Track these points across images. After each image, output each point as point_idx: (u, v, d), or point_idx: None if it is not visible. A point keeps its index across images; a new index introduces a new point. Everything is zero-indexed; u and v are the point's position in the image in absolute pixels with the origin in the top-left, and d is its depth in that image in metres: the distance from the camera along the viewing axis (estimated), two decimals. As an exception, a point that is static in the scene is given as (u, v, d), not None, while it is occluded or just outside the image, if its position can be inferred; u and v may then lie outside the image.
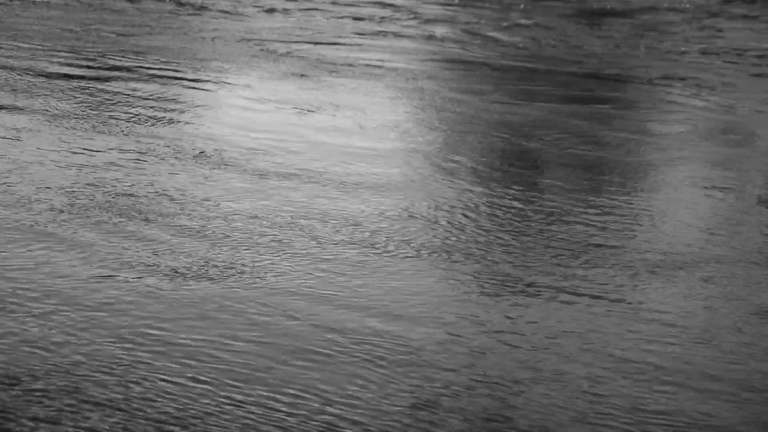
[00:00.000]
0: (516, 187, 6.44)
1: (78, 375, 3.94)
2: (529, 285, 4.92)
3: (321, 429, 3.65)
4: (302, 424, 3.67)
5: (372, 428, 3.65)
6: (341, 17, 13.67)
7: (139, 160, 6.72)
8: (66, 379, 3.90)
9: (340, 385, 3.93)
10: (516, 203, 6.12)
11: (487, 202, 6.15)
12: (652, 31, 13.05)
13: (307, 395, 3.86)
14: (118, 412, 3.70)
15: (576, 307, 4.70)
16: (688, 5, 14.10)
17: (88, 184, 6.16)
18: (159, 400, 3.79)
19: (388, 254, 5.27)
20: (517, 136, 7.74)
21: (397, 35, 12.55)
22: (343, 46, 11.65)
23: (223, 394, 3.86)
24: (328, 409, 3.77)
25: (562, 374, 4.06)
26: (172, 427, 3.62)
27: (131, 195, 6.00)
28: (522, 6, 14.82)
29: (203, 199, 5.99)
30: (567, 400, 3.87)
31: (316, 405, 3.79)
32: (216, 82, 9.32)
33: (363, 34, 12.51)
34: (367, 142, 7.43)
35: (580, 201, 6.19)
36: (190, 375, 3.98)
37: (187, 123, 7.72)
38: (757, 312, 4.66)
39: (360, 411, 3.76)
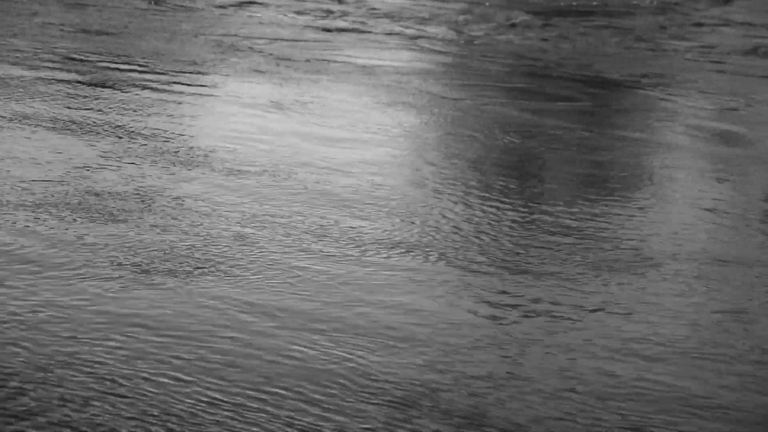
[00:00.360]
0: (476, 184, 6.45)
1: (57, 372, 3.91)
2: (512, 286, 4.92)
3: (302, 428, 3.63)
4: (279, 421, 3.65)
5: (351, 428, 3.64)
6: (298, 12, 13.62)
7: (108, 158, 6.67)
8: (43, 378, 3.86)
9: (319, 383, 3.92)
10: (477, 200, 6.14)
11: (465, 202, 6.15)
12: (620, 28, 13.10)
13: (286, 393, 3.84)
14: (99, 408, 3.67)
15: (558, 309, 4.71)
16: (650, 2, 14.18)
17: (57, 181, 6.12)
18: (141, 398, 3.76)
19: (364, 252, 5.26)
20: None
21: (358, 31, 12.53)
22: (305, 42, 11.61)
23: (204, 391, 3.83)
24: (308, 408, 3.75)
25: (542, 373, 4.06)
26: (156, 428, 3.60)
27: (99, 193, 5.96)
28: (487, 3, 14.84)
29: (175, 197, 5.95)
30: (547, 399, 3.87)
31: (296, 404, 3.78)
32: (189, 83, 9.26)
33: (328, 30, 12.48)
34: (338, 136, 7.42)
35: (574, 201, 6.20)
36: (171, 372, 3.95)
37: (159, 122, 7.67)
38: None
39: (338, 410, 3.74)
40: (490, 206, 6.05)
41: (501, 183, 6.53)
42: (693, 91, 9.62)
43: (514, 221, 5.81)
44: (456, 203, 6.08)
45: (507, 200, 6.16)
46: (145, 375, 3.93)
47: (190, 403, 3.76)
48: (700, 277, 5.06)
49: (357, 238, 5.43)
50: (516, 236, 5.56)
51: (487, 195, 6.25)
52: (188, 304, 4.57)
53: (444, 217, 5.83)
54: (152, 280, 4.80)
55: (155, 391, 3.82)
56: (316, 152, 7.04)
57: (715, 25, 13.66)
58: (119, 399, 3.75)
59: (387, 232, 5.53)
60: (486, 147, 7.41)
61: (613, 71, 10.57)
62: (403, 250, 5.30)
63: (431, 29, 12.84)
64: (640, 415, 3.78)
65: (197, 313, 4.49)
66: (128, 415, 3.65)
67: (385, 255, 5.22)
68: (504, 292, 4.83)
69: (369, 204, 5.99)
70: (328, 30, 12.56)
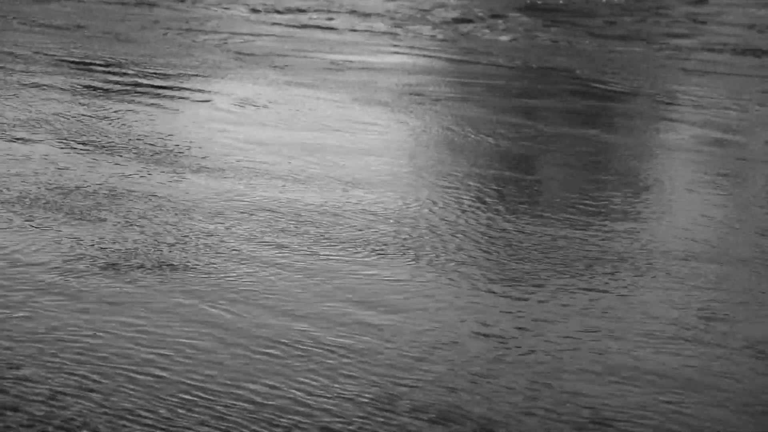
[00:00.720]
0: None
1: (28, 370, 3.81)
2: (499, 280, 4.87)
3: (287, 426, 3.55)
4: (263, 421, 3.57)
5: (336, 425, 3.57)
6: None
7: (72, 154, 6.61)
8: (15, 375, 3.77)
9: (296, 380, 3.85)
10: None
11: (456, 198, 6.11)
12: (584, 26, 13.13)
13: (265, 391, 3.77)
14: (73, 405, 3.57)
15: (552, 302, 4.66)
16: (618, 2, 14.21)
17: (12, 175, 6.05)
18: (123, 392, 3.68)
19: (341, 249, 5.19)
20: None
21: (328, 28, 12.50)
22: (267, 37, 11.58)
23: (186, 387, 3.75)
24: (292, 407, 3.68)
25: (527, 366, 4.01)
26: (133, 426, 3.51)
27: (68, 190, 5.89)
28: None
29: (146, 195, 5.89)
30: (527, 391, 3.81)
31: (282, 401, 3.70)
32: (154, 80, 9.19)
33: (285, 25, 12.44)
34: (310, 135, 7.38)
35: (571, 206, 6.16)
36: (150, 369, 3.87)
37: (136, 120, 7.61)
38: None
39: (318, 407, 3.67)
40: (468, 203, 6.00)
41: (479, 182, 6.49)
42: (681, 93, 9.62)
43: (496, 221, 5.76)
44: (436, 203, 6.02)
45: (490, 199, 6.12)
46: (120, 372, 3.84)
47: (170, 400, 3.67)
48: (696, 276, 5.03)
49: (334, 237, 5.37)
50: (498, 237, 5.51)
51: (461, 192, 6.21)
52: (159, 301, 4.49)
53: (432, 213, 5.77)
54: (124, 275, 4.71)
55: (133, 387, 3.73)
56: (289, 149, 7.00)
57: (694, 22, 13.70)
58: (94, 395, 3.66)
59: (361, 232, 5.47)
60: (461, 144, 7.37)
61: (582, 67, 10.57)
62: (382, 246, 5.23)
63: (410, 27, 12.80)
64: (613, 411, 3.72)
65: (172, 310, 4.40)
66: (102, 411, 3.56)
67: (362, 253, 5.16)
68: (491, 292, 4.76)
69: (347, 203, 5.94)
70: (297, 26, 12.51)
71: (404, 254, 5.15)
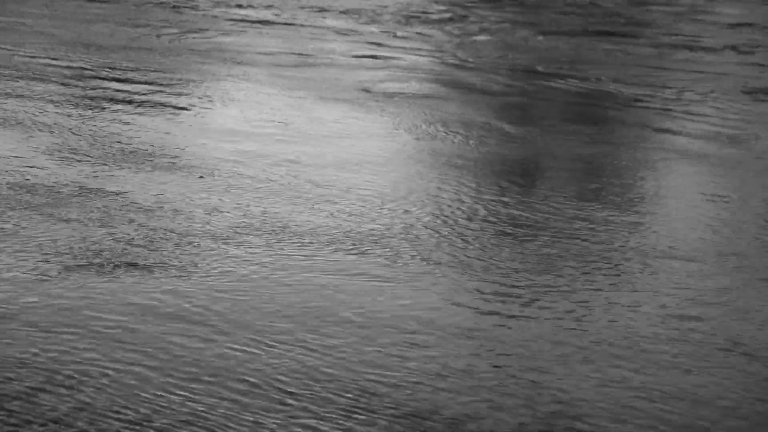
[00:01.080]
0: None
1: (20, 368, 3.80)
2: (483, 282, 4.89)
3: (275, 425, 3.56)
4: (248, 420, 3.57)
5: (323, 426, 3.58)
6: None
7: (43, 153, 6.58)
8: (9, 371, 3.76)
9: (277, 378, 3.86)
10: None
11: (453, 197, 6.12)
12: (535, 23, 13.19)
13: (246, 389, 3.77)
14: (46, 402, 3.56)
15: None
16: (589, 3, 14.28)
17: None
18: (103, 390, 3.67)
19: (312, 248, 5.20)
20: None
21: (291, 24, 12.48)
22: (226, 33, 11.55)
23: (166, 384, 3.74)
24: (276, 406, 3.68)
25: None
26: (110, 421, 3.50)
27: (35, 188, 5.86)
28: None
29: (114, 193, 5.87)
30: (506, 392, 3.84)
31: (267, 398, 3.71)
32: (120, 77, 9.15)
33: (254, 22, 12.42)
34: (287, 135, 7.38)
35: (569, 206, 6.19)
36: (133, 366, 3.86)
37: (113, 119, 7.59)
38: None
39: (299, 407, 3.68)
40: (448, 203, 6.02)
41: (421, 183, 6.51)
42: (667, 88, 9.69)
43: (478, 220, 5.78)
44: (415, 203, 6.04)
45: (468, 199, 6.14)
46: (92, 370, 3.83)
47: (151, 399, 3.66)
48: (691, 275, 5.08)
49: (311, 232, 5.39)
50: (482, 237, 5.53)
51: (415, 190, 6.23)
52: (138, 300, 4.47)
53: (407, 212, 5.80)
54: (89, 274, 4.71)
55: (115, 385, 3.72)
56: (257, 146, 7.00)
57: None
58: (74, 392, 3.65)
59: (331, 228, 5.48)
60: (417, 141, 7.39)
61: (538, 64, 10.62)
62: (355, 245, 5.25)
63: (368, 26, 12.80)
64: (591, 414, 3.75)
65: (152, 309, 4.39)
66: (81, 407, 3.55)
67: (341, 251, 5.17)
68: (477, 291, 4.78)
69: (311, 198, 5.95)
70: (254, 22, 12.49)
71: (386, 253, 5.17)
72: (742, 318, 4.58)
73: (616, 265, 5.15)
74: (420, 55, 11.07)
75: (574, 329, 4.40)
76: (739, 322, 4.54)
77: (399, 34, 12.39)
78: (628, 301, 4.73)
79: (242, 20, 12.69)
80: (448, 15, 13.75)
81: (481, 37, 12.43)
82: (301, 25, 12.60)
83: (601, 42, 12.43)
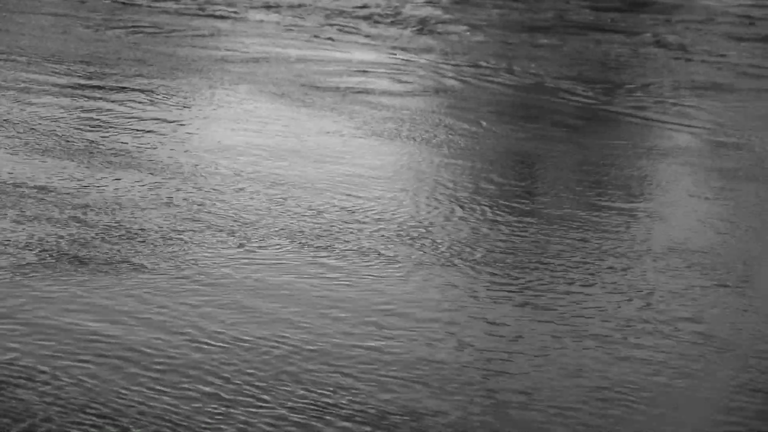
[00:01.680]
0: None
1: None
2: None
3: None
4: (235, 420, 3.67)
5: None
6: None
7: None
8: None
9: (257, 376, 3.96)
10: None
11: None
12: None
13: (223, 385, 3.87)
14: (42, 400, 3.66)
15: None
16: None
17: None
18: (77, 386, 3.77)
19: (276, 248, 5.29)
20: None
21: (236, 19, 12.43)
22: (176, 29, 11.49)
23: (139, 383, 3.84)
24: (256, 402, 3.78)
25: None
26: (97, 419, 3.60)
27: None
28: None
29: (78, 190, 5.91)
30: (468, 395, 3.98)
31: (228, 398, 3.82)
32: (84, 73, 9.09)
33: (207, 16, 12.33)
34: (240, 126, 7.41)
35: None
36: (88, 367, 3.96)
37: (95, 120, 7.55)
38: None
39: (276, 402, 3.79)
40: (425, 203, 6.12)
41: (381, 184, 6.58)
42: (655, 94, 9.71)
43: (453, 218, 5.86)
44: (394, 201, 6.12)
45: (445, 199, 6.21)
46: (75, 366, 3.93)
47: (125, 395, 3.76)
48: (688, 270, 5.21)
49: (276, 230, 5.47)
50: (466, 236, 5.63)
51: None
52: (111, 298, 4.57)
53: (368, 216, 5.85)
54: (44, 273, 4.77)
55: (90, 381, 3.83)
56: (220, 143, 7.04)
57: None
58: (47, 388, 3.75)
59: (302, 233, 5.53)
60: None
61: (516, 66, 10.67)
62: (331, 249, 5.32)
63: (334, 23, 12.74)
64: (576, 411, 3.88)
65: (125, 306, 4.49)
66: (54, 402, 3.65)
67: (312, 253, 5.25)
68: (452, 285, 4.89)
69: (275, 193, 6.02)
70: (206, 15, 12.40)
71: (367, 255, 5.21)
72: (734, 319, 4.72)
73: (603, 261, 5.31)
74: (373, 51, 11.02)
75: (585, 330, 4.52)
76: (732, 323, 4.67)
77: (347, 29, 12.33)
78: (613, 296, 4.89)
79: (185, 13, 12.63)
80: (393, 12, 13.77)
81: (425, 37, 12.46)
82: (247, 20, 12.54)
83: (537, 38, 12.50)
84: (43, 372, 3.87)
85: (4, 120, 7.29)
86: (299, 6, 13.82)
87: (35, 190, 5.85)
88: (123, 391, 3.78)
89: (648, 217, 6.05)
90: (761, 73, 10.83)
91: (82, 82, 8.72)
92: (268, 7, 13.57)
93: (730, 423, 3.81)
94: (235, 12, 13.00)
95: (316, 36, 11.79)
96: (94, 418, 3.59)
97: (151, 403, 3.70)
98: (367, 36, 11.98)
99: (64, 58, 9.58)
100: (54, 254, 4.97)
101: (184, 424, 3.58)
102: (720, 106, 9.18)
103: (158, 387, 3.82)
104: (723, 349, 4.37)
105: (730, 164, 7.29)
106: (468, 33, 12.41)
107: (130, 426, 3.55)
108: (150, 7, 13.13)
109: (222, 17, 12.60)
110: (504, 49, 11.53)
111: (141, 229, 5.36)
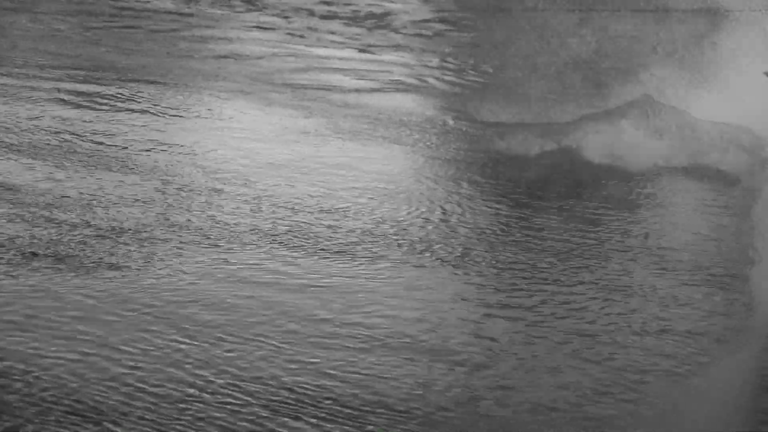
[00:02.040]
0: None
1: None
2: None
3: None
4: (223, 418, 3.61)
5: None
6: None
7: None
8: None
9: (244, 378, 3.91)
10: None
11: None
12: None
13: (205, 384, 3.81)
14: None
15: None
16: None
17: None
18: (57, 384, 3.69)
19: (258, 248, 5.23)
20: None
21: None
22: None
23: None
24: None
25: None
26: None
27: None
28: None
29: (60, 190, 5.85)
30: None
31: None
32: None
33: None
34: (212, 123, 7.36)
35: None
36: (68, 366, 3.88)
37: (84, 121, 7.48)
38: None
39: (255, 392, 3.73)
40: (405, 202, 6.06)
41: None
42: None
43: (435, 216, 5.82)
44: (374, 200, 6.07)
45: (426, 198, 6.17)
46: (55, 363, 3.86)
47: (101, 392, 3.69)
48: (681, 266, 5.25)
49: (251, 229, 5.42)
50: (454, 234, 5.59)
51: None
52: (92, 297, 4.52)
53: (351, 215, 5.81)
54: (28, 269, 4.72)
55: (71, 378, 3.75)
56: (197, 141, 6.99)
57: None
58: (20, 385, 3.67)
59: (284, 229, 5.48)
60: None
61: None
62: (304, 245, 5.29)
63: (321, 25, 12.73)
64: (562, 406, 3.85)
65: (103, 305, 4.44)
66: (31, 401, 3.57)
67: (287, 249, 5.20)
68: (430, 284, 4.87)
69: (243, 191, 5.96)
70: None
71: (347, 253, 5.20)
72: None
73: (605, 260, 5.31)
74: (345, 48, 11.05)
75: (576, 328, 4.53)
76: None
77: (318, 28, 12.32)
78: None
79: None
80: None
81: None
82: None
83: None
84: (26, 372, 3.81)
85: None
86: (276, 5, 13.76)
87: (9, 192, 5.75)
88: (105, 390, 3.72)
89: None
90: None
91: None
92: (249, 3, 13.46)
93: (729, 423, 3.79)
94: (212, 12, 12.95)
95: (289, 33, 11.76)
96: (72, 417, 3.52)
97: (134, 402, 3.64)
98: (333, 33, 11.96)
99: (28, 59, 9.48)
100: (30, 253, 4.91)
101: (166, 423, 3.52)
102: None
103: (139, 385, 3.75)
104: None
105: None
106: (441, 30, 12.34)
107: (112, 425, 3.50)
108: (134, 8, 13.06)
109: (192, 15, 12.54)
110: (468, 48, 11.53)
111: (118, 229, 5.30)
